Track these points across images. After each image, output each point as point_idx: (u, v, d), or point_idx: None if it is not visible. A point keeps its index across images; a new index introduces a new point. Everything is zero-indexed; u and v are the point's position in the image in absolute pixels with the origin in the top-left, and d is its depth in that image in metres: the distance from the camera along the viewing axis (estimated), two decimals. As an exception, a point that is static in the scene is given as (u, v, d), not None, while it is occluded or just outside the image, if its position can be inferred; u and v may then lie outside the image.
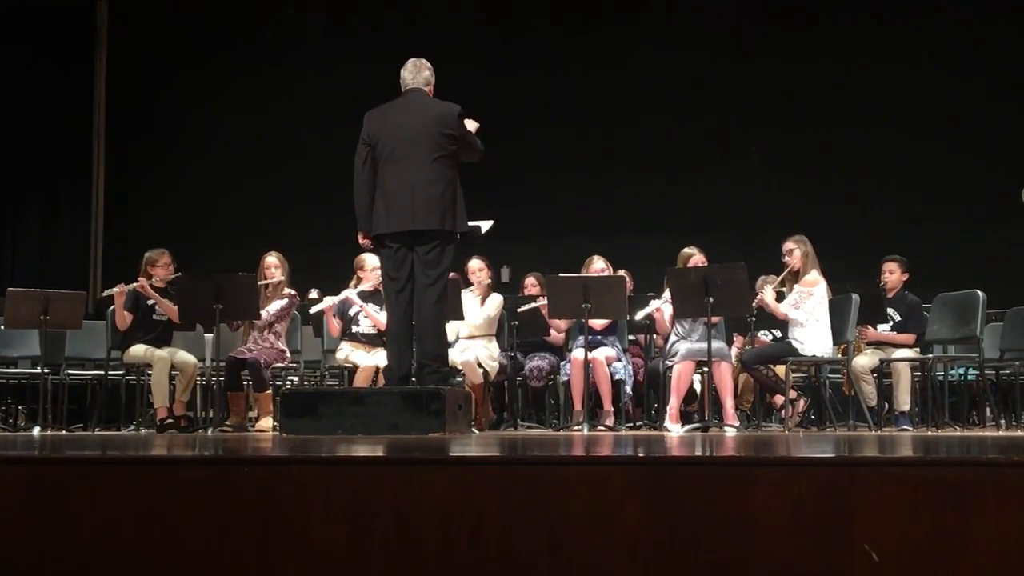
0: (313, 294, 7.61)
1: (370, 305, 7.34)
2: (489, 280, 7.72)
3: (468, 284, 7.65)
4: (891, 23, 10.79)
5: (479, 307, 7.58)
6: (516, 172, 10.65)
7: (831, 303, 7.15)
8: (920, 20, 10.73)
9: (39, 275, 10.56)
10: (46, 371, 7.60)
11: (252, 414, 7.62)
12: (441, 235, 5.53)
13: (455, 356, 7.09)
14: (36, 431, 7.27)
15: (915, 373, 7.37)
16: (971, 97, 10.35)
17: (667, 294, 7.19)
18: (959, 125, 10.36)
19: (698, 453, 3.00)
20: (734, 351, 7.64)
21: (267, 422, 7.14)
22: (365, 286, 7.44)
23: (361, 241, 5.83)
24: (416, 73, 5.76)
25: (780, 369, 7.19)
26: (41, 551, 2.23)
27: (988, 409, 7.79)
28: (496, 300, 7.66)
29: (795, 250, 7.16)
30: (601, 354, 7.33)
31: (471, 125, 5.76)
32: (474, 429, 6.14)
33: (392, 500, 2.16)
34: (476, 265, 7.66)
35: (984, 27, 10.47)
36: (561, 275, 7.34)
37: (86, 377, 8.38)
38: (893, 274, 7.57)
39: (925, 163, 10.48)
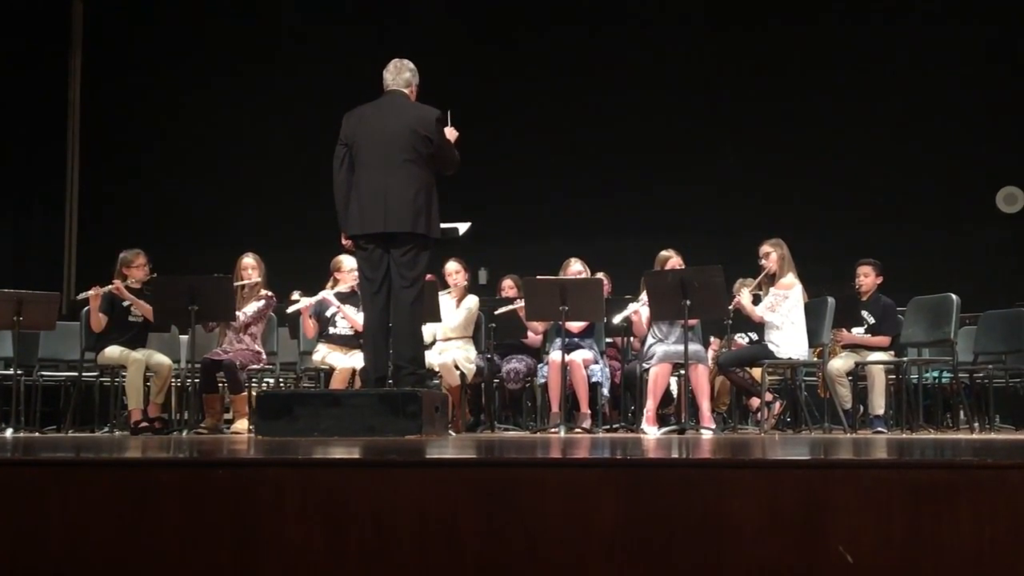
0: (295, 295, 7.57)
1: (347, 306, 7.32)
2: (466, 282, 7.71)
3: (445, 286, 7.64)
4: (864, 26, 10.86)
5: (455, 309, 7.57)
6: (494, 174, 10.64)
7: (807, 306, 7.18)
8: (895, 23, 10.80)
9: (12, 276, 10.45)
10: (19, 372, 7.54)
11: (228, 416, 7.58)
12: (415, 238, 5.51)
13: (432, 358, 7.08)
14: (9, 433, 7.21)
15: (890, 376, 7.41)
16: (945, 100, 10.43)
17: (644, 296, 7.21)
18: (934, 128, 10.44)
19: (675, 455, 3.01)
20: (710, 354, 7.66)
21: (243, 424, 7.10)
22: (342, 287, 7.42)
23: (344, 242, 5.82)
24: (397, 74, 5.73)
25: (756, 372, 7.22)
26: (13, 554, 2.21)
27: (962, 412, 7.85)
28: (471, 301, 7.65)
29: (771, 253, 7.19)
30: (578, 356, 7.34)
31: (450, 134, 5.73)
32: (451, 431, 6.13)
33: (368, 502, 2.15)
34: (453, 267, 7.65)
35: (955, 29, 10.55)
36: (538, 277, 7.34)
37: (60, 379, 8.32)
38: (867, 277, 7.61)
39: (900, 167, 10.55)
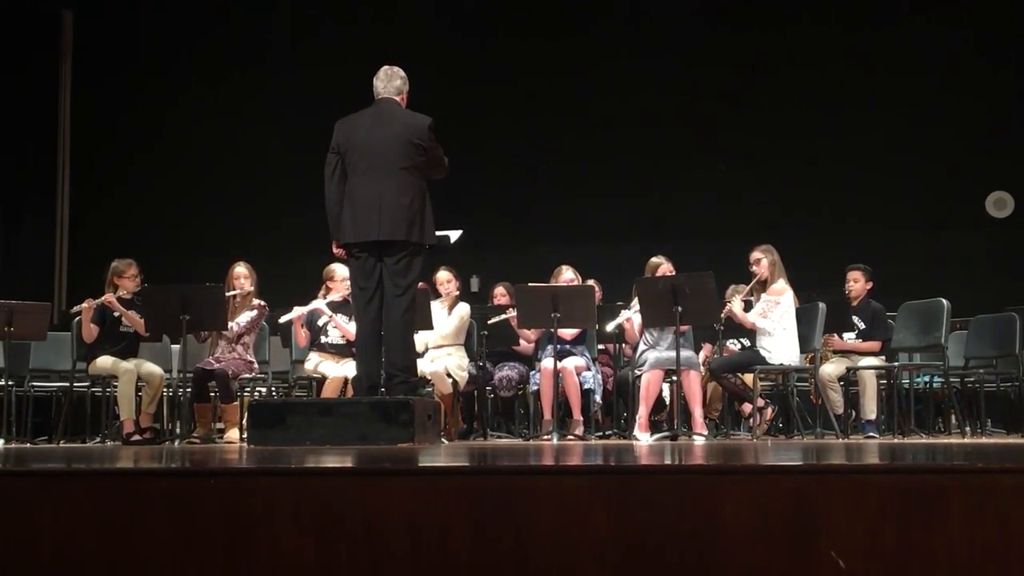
0: (293, 313, 7.51)
1: (339, 315, 7.31)
2: (457, 291, 7.71)
3: (437, 294, 7.63)
4: (856, 32, 10.90)
5: (447, 317, 7.57)
6: (485, 182, 10.66)
7: (798, 312, 7.19)
8: (884, 29, 10.85)
9: (3, 286, 10.42)
10: (10, 383, 7.51)
11: (219, 426, 7.55)
12: (409, 246, 5.52)
13: (424, 366, 7.07)
14: (0, 444, 7.18)
15: (881, 381, 7.43)
16: (934, 106, 10.46)
17: (636, 303, 7.21)
18: (923, 134, 10.47)
19: (667, 462, 3.01)
20: (702, 358, 7.67)
21: (234, 434, 7.09)
22: (334, 296, 7.40)
23: (335, 250, 5.80)
24: (388, 82, 5.73)
25: (748, 377, 7.22)
26: (3, 565, 2.20)
27: (953, 416, 7.86)
28: (463, 309, 7.65)
29: (762, 259, 7.20)
30: (570, 363, 7.34)
31: None
32: (443, 439, 6.13)
33: (360, 511, 2.15)
34: (444, 276, 7.65)
35: (947, 35, 10.59)
36: (530, 284, 7.34)
37: (51, 389, 8.28)
38: (857, 283, 7.63)
39: (890, 172, 10.58)
